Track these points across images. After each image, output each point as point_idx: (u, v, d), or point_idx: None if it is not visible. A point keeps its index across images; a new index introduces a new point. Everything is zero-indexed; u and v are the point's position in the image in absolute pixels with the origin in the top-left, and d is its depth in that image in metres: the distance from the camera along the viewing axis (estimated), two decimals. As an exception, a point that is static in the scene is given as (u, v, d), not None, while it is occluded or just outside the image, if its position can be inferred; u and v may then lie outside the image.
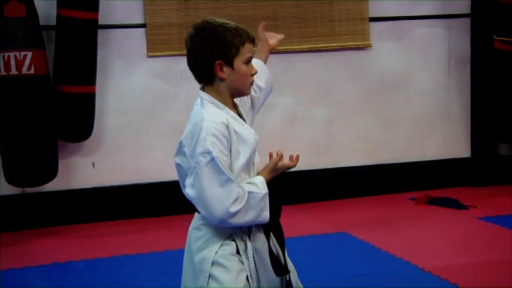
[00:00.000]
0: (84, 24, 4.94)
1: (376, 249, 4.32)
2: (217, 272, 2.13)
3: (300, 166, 6.66)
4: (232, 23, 2.16)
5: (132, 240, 4.81)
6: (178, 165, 2.20)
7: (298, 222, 5.08)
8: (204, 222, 2.18)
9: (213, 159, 2.05)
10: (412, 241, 4.52)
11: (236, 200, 2.07)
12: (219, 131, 2.09)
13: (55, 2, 4.93)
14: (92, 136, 5.19)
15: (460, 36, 5.98)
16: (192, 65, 2.21)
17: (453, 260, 4.01)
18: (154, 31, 5.37)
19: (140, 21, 5.37)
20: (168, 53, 5.40)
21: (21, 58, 4.68)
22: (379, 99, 5.91)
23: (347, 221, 5.00)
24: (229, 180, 2.07)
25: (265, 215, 2.14)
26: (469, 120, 6.14)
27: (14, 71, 4.68)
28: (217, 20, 2.18)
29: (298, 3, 5.60)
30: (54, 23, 4.98)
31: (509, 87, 5.60)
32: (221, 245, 2.15)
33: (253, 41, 2.18)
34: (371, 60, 5.86)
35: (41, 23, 4.88)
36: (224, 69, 2.14)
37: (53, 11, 4.98)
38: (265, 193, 2.14)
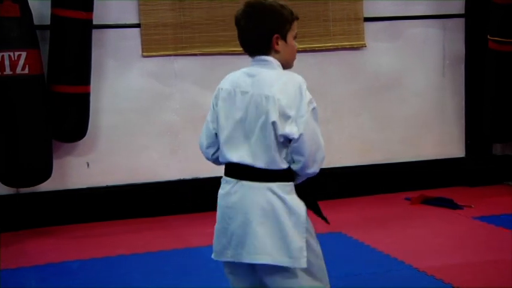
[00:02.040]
0: (78, 24, 4.92)
1: (371, 249, 4.32)
2: (309, 234, 2.37)
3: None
4: (280, 2, 2.39)
5: (127, 240, 4.80)
6: (274, 123, 2.26)
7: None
8: (286, 190, 2.29)
9: (314, 108, 2.32)
10: (407, 241, 4.52)
11: None
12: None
13: (49, 2, 4.92)
14: (86, 136, 5.18)
15: (454, 37, 6.00)
16: (249, 39, 2.37)
17: (448, 260, 4.02)
18: (149, 31, 5.36)
19: (135, 21, 5.36)
20: (163, 53, 5.40)
21: (16, 58, 4.66)
22: (374, 99, 5.92)
23: (342, 220, 5.00)
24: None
25: None
26: (463, 120, 6.15)
27: (8, 71, 4.66)
28: None
29: (292, 3, 5.48)
30: (48, 22, 4.97)
31: (504, 87, 5.62)
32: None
33: (297, 19, 2.41)
34: (366, 60, 5.87)
35: (35, 22, 4.86)
36: (279, 42, 2.34)
37: (47, 11, 4.96)
38: None
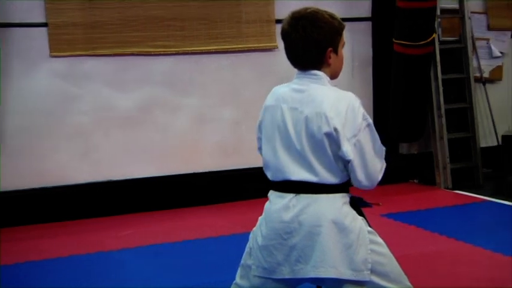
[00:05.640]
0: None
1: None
2: (373, 237, 2.29)
3: (208, 167, 6.65)
4: (329, 12, 2.29)
5: (37, 245, 4.65)
6: (328, 137, 2.22)
7: (207, 222, 5.07)
8: (345, 201, 2.29)
9: (369, 124, 2.27)
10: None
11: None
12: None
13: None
14: (-9, 139, 4.99)
15: (362, 39, 6.18)
16: (302, 54, 2.27)
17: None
18: (57, 31, 5.21)
19: (42, 20, 5.20)
20: (72, 53, 5.26)
21: None
22: (285, 100, 5.99)
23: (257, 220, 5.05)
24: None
25: None
26: (371, 120, 6.33)
27: None
28: (318, 9, 2.29)
29: (205, 5, 5.60)
30: None
31: (408, 89, 5.83)
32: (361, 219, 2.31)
33: (344, 28, 2.33)
34: (277, 62, 5.93)
35: None
36: (331, 55, 2.27)
37: None
38: None
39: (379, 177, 2.30)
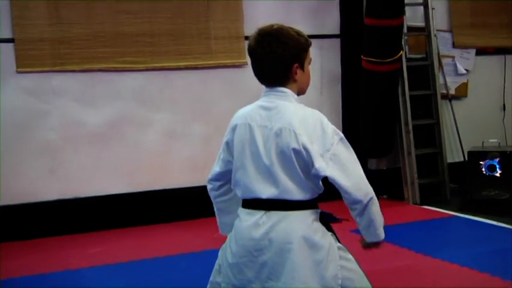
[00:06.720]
0: None
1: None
2: (343, 253, 2.32)
3: (179, 183, 6.63)
4: (295, 29, 2.32)
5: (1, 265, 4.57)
6: (297, 154, 2.23)
7: (178, 239, 5.04)
8: (315, 217, 2.30)
9: (342, 138, 2.28)
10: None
11: None
12: None
13: None
14: (-44, 156, 4.89)
15: (331, 56, 6.24)
16: (268, 70, 2.30)
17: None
18: (24, 46, 5.16)
19: (8, 35, 5.14)
20: (39, 68, 5.21)
21: None
22: (255, 116, 6.01)
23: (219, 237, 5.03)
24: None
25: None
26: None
27: None
28: (284, 25, 2.32)
29: (174, 21, 5.61)
30: None
31: (377, 106, 5.90)
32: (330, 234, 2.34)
33: (311, 45, 2.35)
34: (247, 78, 5.90)
35: None
36: (298, 71, 2.29)
37: None
38: None
39: (367, 183, 2.32)
